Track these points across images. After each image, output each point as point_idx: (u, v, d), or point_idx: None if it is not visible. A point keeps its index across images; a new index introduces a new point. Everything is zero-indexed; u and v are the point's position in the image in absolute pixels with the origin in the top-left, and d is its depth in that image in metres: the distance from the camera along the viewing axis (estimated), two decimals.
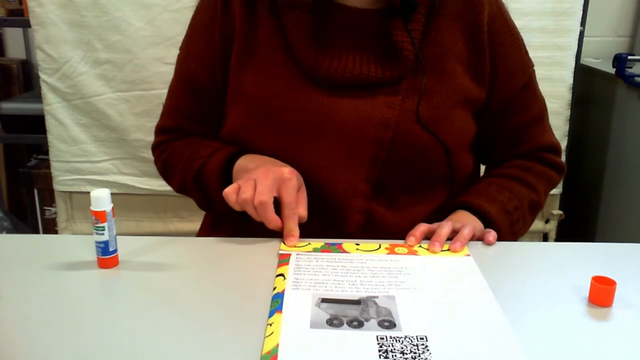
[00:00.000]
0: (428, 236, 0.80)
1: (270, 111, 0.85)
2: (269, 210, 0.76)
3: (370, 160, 0.84)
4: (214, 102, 0.92)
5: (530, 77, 0.94)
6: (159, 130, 0.99)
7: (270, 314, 0.61)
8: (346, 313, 0.61)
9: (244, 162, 0.85)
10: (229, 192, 0.77)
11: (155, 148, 0.99)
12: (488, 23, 0.88)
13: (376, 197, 0.85)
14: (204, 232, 1.00)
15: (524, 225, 0.90)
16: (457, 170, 0.89)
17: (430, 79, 0.85)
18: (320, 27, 0.84)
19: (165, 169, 0.97)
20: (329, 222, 0.85)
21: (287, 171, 0.78)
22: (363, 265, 0.72)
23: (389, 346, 0.56)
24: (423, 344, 0.56)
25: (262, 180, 0.77)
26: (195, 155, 0.89)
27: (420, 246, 0.78)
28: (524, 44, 0.94)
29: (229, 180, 0.85)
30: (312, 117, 0.83)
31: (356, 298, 0.65)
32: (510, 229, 0.87)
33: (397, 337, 0.57)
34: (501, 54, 0.89)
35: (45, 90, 1.52)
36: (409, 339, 0.57)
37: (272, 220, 0.76)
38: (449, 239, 0.79)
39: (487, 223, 0.84)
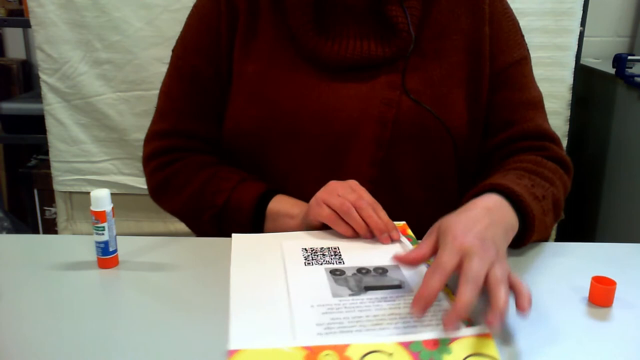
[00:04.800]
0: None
1: (272, 99, 0.85)
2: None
3: (374, 141, 0.84)
4: (218, 95, 0.90)
5: (527, 59, 0.92)
6: (154, 134, 0.93)
7: None
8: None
9: (281, 206, 0.84)
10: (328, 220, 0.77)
11: (150, 158, 0.93)
12: (489, 3, 0.89)
13: (381, 185, 0.85)
14: None
15: (551, 222, 0.80)
16: (462, 152, 0.87)
17: (430, 59, 0.86)
18: (320, 9, 0.85)
19: (164, 187, 0.92)
20: None
21: (353, 181, 0.79)
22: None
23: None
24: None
25: (344, 190, 0.77)
26: (213, 188, 0.86)
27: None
28: (520, 28, 0.93)
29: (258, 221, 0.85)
30: (315, 103, 0.84)
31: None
32: (543, 219, 0.76)
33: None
34: (497, 25, 0.90)
35: (45, 90, 1.52)
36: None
37: (381, 218, 0.75)
38: None
39: (520, 211, 0.73)
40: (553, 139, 0.90)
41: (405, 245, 0.75)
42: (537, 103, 0.91)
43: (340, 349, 0.53)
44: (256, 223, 0.85)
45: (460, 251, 0.61)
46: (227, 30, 0.88)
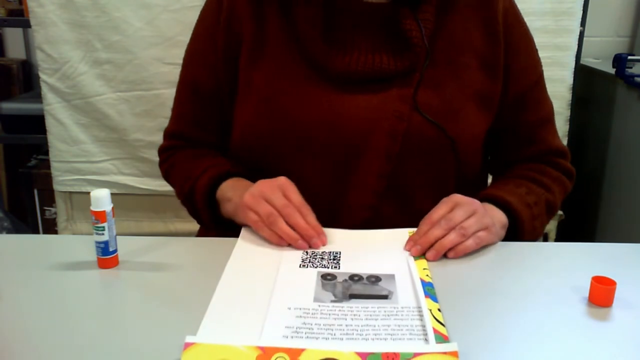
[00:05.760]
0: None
1: (281, 108, 0.84)
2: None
3: (384, 154, 0.83)
4: (218, 107, 0.91)
5: (541, 75, 0.95)
6: (167, 134, 0.99)
7: None
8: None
9: (223, 191, 0.85)
10: (255, 226, 0.77)
11: (161, 152, 0.99)
12: (503, 15, 0.89)
13: (388, 196, 0.84)
14: (204, 232, 1.00)
15: (541, 224, 0.88)
16: (464, 165, 0.87)
17: (442, 71, 0.86)
18: (331, 20, 0.84)
19: (166, 178, 0.99)
20: (335, 214, 0.84)
21: (282, 178, 0.78)
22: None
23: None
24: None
25: (272, 193, 0.76)
26: (188, 175, 0.90)
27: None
28: (534, 43, 0.95)
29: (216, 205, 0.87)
30: (324, 114, 0.83)
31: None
32: (532, 223, 0.85)
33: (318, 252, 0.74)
34: (514, 48, 0.90)
35: (45, 90, 1.52)
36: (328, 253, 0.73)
37: (309, 222, 0.75)
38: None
39: (510, 214, 0.83)
40: (562, 153, 0.96)
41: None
42: (549, 119, 0.96)
43: (294, 353, 0.52)
44: (215, 208, 0.87)
45: (452, 203, 0.76)
46: (225, 38, 0.87)
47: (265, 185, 0.78)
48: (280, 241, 0.75)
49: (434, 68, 0.86)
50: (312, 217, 0.76)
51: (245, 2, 0.87)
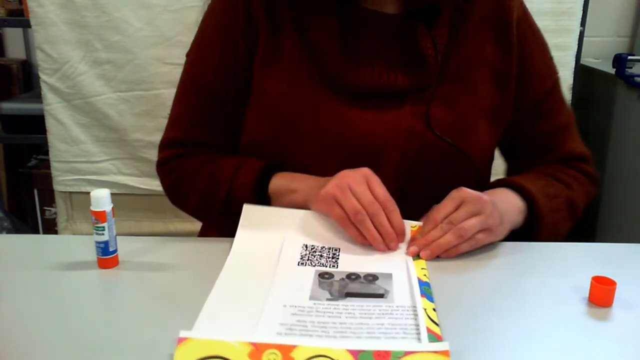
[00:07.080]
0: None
1: (292, 119, 0.83)
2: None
3: (395, 170, 0.82)
4: (234, 111, 0.88)
5: (557, 82, 0.93)
6: (166, 144, 0.91)
7: None
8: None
9: (280, 183, 0.82)
10: (334, 214, 0.74)
11: (161, 165, 0.91)
12: (516, 25, 0.88)
13: (398, 208, 0.83)
14: (204, 232, 1.00)
15: (563, 219, 0.86)
16: (481, 181, 0.86)
17: (456, 88, 0.85)
18: (345, 33, 0.83)
19: (176, 191, 0.91)
20: None
21: (366, 169, 0.75)
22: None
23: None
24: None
25: (358, 186, 0.73)
26: (215, 181, 0.84)
27: None
28: (548, 50, 0.93)
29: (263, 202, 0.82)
30: (335, 128, 0.82)
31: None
32: (551, 215, 0.83)
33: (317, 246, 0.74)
34: (527, 56, 0.89)
35: (45, 90, 1.52)
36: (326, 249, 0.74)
37: (393, 222, 0.73)
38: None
39: (528, 202, 0.81)
40: (583, 157, 0.94)
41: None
42: (568, 125, 0.94)
43: (285, 349, 0.52)
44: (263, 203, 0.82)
45: (459, 200, 0.74)
46: (245, 43, 0.84)
47: (350, 177, 0.75)
48: (364, 241, 0.74)
49: (447, 85, 0.84)
50: (396, 215, 0.74)
51: (259, 6, 0.84)
